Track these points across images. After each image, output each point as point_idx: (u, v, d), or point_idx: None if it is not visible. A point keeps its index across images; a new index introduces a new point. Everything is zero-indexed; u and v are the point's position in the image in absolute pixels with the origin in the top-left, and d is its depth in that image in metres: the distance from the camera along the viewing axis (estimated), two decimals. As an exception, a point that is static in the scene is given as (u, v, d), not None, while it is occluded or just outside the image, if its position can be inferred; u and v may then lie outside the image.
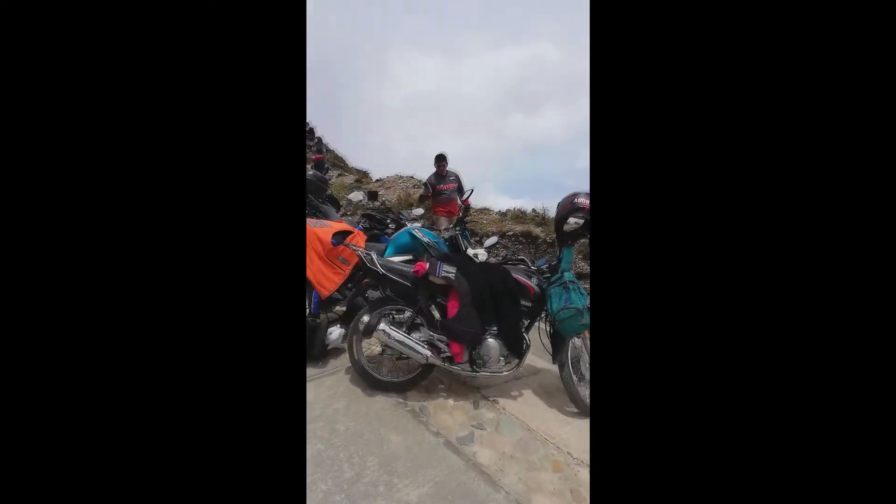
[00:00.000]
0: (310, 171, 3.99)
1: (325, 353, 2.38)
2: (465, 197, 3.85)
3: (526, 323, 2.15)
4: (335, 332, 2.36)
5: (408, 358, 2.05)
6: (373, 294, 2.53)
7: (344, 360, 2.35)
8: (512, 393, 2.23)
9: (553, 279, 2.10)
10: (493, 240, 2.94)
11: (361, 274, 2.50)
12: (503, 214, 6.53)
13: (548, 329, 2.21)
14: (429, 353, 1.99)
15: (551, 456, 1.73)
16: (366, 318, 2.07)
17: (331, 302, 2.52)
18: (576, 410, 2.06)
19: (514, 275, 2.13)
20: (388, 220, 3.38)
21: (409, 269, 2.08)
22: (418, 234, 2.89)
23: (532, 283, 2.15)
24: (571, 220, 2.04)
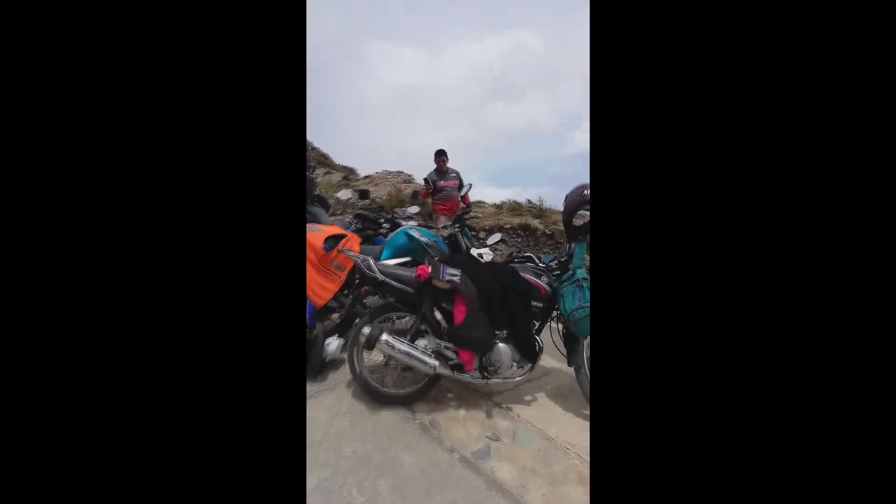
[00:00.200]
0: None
1: (324, 367, 2.23)
2: (463, 193, 3.63)
3: (537, 324, 2.04)
4: (333, 343, 2.21)
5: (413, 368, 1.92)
6: (372, 301, 2.38)
7: (344, 373, 2.21)
8: (525, 398, 2.12)
9: (564, 277, 1.98)
10: (496, 237, 2.78)
11: (358, 280, 2.35)
12: (499, 207, 6.39)
13: (560, 330, 2.09)
14: (436, 362, 1.86)
15: (574, 467, 1.62)
16: (366, 330, 1.92)
17: (326, 311, 2.35)
18: (594, 414, 1.97)
19: (523, 274, 2.00)
20: (382, 220, 3.20)
21: (410, 273, 1.93)
22: (416, 235, 2.72)
23: (542, 282, 2.03)
24: (581, 213, 1.91)
